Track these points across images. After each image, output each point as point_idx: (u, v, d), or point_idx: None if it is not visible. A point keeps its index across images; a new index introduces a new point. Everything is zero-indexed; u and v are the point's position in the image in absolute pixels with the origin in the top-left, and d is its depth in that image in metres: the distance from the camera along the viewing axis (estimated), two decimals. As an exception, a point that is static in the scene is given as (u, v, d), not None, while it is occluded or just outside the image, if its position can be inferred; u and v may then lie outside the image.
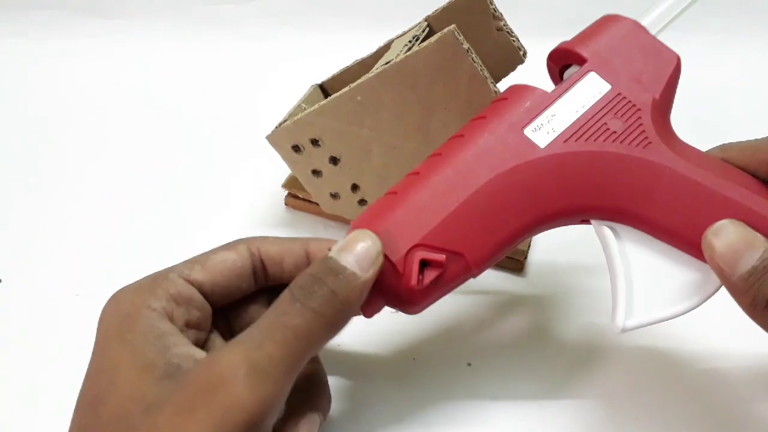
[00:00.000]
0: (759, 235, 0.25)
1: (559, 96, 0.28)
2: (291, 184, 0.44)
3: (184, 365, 0.24)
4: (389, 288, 0.27)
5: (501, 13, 0.38)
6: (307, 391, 0.29)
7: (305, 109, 0.40)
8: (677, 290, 0.27)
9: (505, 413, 0.33)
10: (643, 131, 0.28)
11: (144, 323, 0.25)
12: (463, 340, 0.37)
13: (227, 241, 0.30)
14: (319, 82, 0.44)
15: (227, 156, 0.51)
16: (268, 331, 0.24)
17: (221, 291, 0.28)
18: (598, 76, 0.29)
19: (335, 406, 0.33)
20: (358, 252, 0.26)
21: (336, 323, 0.25)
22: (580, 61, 0.29)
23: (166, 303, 0.26)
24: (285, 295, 0.25)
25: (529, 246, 0.40)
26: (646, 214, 0.27)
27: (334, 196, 0.40)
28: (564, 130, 0.28)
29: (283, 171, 0.42)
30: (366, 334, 0.37)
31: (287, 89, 0.47)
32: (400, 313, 0.38)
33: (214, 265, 0.28)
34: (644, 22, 0.31)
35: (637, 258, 0.28)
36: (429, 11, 0.40)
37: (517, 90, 0.29)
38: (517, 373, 0.35)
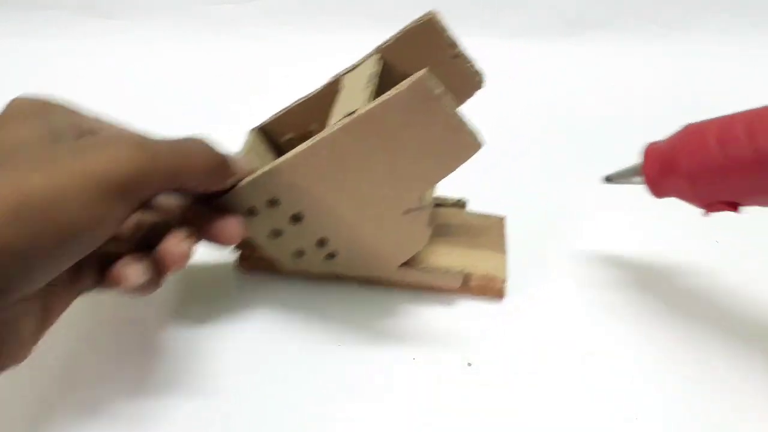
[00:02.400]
0: None
1: None
2: (241, 243, 0.37)
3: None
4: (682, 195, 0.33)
5: (455, 40, 0.36)
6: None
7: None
8: None
9: (506, 413, 0.33)
10: None
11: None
12: (463, 340, 0.37)
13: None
14: (258, 125, 0.40)
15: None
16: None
17: None
18: None
19: (335, 406, 0.33)
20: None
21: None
22: None
23: None
24: None
25: (505, 277, 0.38)
26: None
27: (299, 253, 0.37)
28: None
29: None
30: (366, 334, 0.37)
31: (287, 89, 0.47)
32: (398, 311, 0.38)
33: None
34: None
35: None
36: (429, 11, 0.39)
37: None
38: (518, 373, 0.35)
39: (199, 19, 0.68)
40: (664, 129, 0.34)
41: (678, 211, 0.34)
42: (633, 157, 0.35)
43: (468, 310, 0.38)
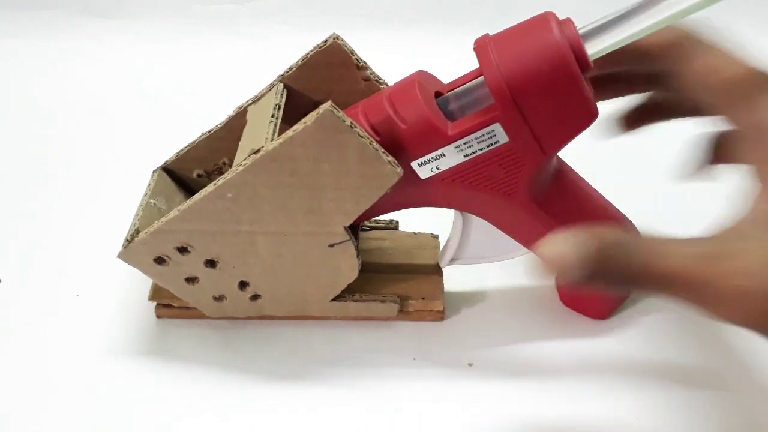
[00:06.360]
0: (574, 235, 0.23)
1: (455, 140, 0.29)
2: (158, 294, 0.37)
3: None
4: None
5: (365, 62, 0.34)
6: None
7: (155, 204, 0.35)
8: (497, 248, 0.34)
9: (506, 414, 0.33)
10: (516, 182, 0.30)
11: None
12: (463, 340, 0.37)
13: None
14: (162, 164, 0.38)
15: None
16: None
17: None
18: (501, 128, 0.28)
19: (334, 407, 0.33)
20: None
21: None
22: (491, 90, 0.27)
23: None
24: None
25: (443, 299, 0.37)
26: (494, 222, 0.33)
27: (219, 298, 0.36)
28: (445, 170, 0.30)
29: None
30: (366, 334, 0.37)
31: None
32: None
33: None
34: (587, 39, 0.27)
35: (477, 226, 0.34)
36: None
37: (418, 120, 0.29)
38: (519, 374, 0.35)
39: (198, 19, 0.68)
40: (655, 132, 0.34)
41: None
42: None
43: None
